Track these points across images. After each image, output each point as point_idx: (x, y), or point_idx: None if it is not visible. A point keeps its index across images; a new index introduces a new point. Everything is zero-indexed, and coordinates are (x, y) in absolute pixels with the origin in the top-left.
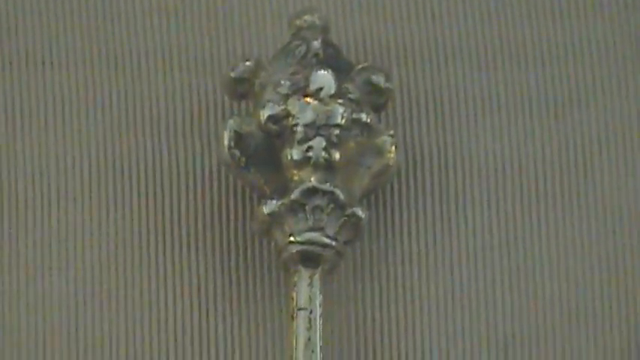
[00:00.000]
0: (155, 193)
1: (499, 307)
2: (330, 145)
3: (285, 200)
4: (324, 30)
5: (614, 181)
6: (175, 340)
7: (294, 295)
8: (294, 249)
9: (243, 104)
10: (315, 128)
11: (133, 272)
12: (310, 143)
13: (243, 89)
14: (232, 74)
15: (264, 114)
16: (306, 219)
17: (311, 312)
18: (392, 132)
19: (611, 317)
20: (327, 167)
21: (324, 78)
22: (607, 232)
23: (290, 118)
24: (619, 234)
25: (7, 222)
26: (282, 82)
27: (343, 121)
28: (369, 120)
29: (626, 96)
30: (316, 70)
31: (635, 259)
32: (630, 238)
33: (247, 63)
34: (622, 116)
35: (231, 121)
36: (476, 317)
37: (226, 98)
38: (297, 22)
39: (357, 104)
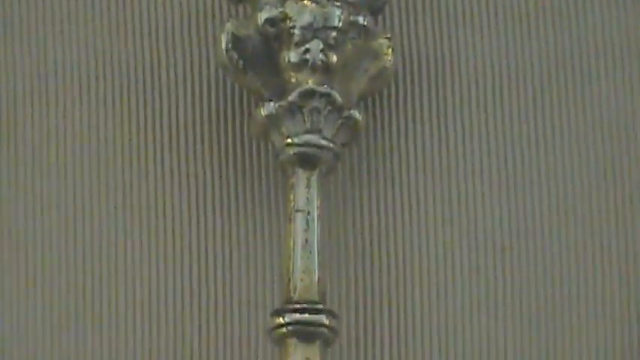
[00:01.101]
0: (153, 99)
1: (496, 211)
2: (328, 47)
3: (283, 102)
4: None
5: (611, 88)
6: (174, 244)
7: (292, 197)
8: (292, 151)
9: (240, 7)
10: (313, 30)
11: (131, 177)
12: (307, 45)
13: None
14: None
15: (262, 17)
16: (304, 121)
17: (309, 213)
18: (389, 35)
19: (608, 218)
20: (325, 69)
21: None
22: (603, 135)
23: (287, 21)
24: (616, 138)
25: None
26: None
27: (340, 23)
28: (366, 23)
29: (624, 6)
30: None
31: (632, 163)
32: (627, 141)
33: None
34: (619, 25)
35: (228, 24)
36: (473, 222)
37: (224, 1)
38: None
39: (354, 7)
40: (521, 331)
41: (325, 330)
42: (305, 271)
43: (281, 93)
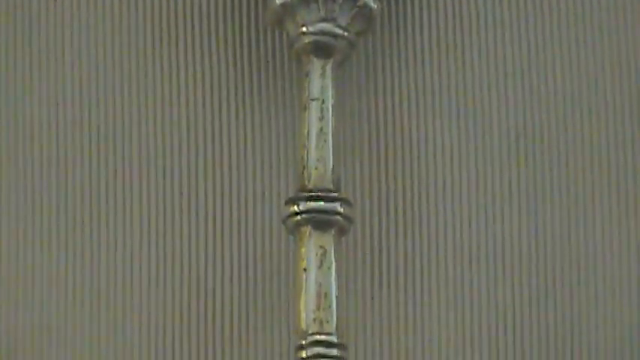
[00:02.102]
0: None
1: (511, 100)
2: None
3: None
4: None
5: None
6: (188, 133)
7: (307, 85)
8: (307, 39)
9: None
10: None
11: (146, 68)
12: None
13: None
14: None
15: None
16: (318, 9)
17: (323, 102)
18: None
19: (623, 109)
20: None
21: None
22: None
23: None
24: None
25: None
26: None
27: None
28: None
29: None
30: None
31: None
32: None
33: None
34: None
35: None
36: (488, 111)
37: None
38: None
39: None
40: (536, 223)
41: (340, 218)
42: (319, 159)
43: None
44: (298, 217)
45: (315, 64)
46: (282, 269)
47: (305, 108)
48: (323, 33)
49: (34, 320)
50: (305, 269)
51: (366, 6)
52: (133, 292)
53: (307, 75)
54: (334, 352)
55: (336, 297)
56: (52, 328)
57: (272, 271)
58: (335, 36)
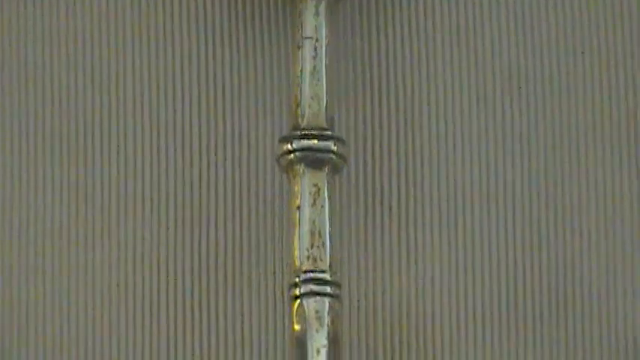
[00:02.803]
0: None
1: (505, 40)
2: None
3: None
4: None
5: None
6: (182, 72)
7: (300, 24)
8: None
9: None
10: None
11: (140, 11)
12: None
13: None
14: None
15: None
16: None
17: (317, 41)
18: None
19: (619, 50)
20: None
21: None
22: None
23: None
24: None
25: None
26: None
27: None
28: None
29: None
30: None
31: None
32: None
33: None
34: None
35: None
36: (481, 49)
37: None
38: None
39: None
40: (529, 164)
41: (333, 156)
42: (313, 97)
43: None
44: (291, 156)
45: (309, 3)
46: (276, 207)
47: (299, 47)
48: None
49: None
50: (298, 207)
51: None
52: (127, 228)
53: (301, 14)
54: (328, 289)
55: (330, 235)
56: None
57: (265, 209)
58: None
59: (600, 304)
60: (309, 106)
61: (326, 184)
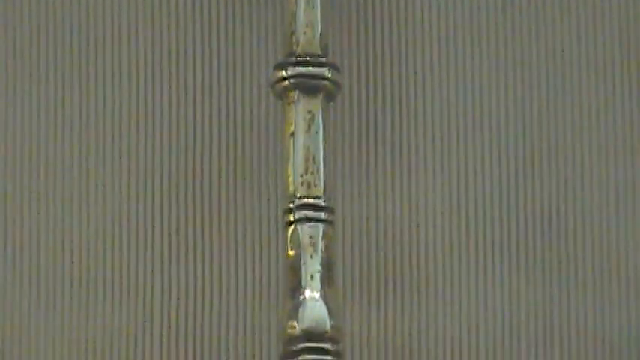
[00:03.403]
0: None
1: None
2: None
3: None
4: None
5: None
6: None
7: None
8: None
9: None
10: None
11: None
12: None
13: None
14: None
15: None
16: None
17: None
18: None
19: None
20: None
21: None
22: None
23: None
24: None
25: None
26: None
27: None
28: None
29: None
30: None
31: None
32: None
33: None
34: None
35: None
36: None
37: None
38: None
39: None
40: (522, 89)
41: (327, 83)
42: (308, 24)
43: None
44: (286, 82)
45: None
46: (271, 134)
47: None
48: None
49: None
50: (293, 134)
51: None
52: (122, 158)
53: None
54: (322, 215)
55: (324, 161)
56: None
57: (260, 136)
58: None
59: (593, 227)
60: (304, 33)
61: (320, 111)
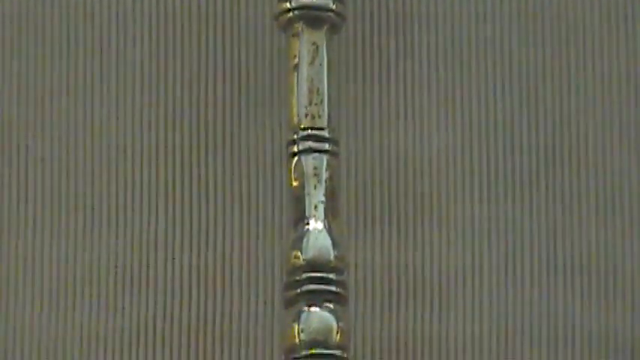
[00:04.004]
0: None
1: None
2: None
3: None
4: None
5: None
6: None
7: None
8: None
9: None
10: None
11: None
12: None
13: None
14: None
15: None
16: None
17: None
18: None
19: None
20: None
21: None
22: None
23: None
24: None
25: None
26: None
27: None
28: None
29: None
30: None
31: None
32: None
33: None
34: None
35: None
36: None
37: None
38: None
39: None
40: (526, 17)
41: (332, 15)
42: None
43: None
44: (290, 14)
45: None
46: (275, 66)
47: None
48: None
49: None
50: (297, 65)
51: None
52: (126, 89)
53: None
54: (326, 146)
55: (328, 92)
56: None
57: (264, 68)
58: None
59: (597, 159)
60: None
61: (325, 43)
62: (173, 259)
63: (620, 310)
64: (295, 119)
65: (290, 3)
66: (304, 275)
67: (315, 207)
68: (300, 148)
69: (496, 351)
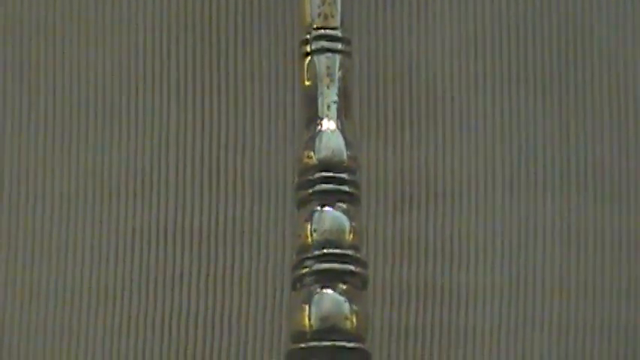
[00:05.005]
0: None
1: None
2: None
3: None
4: None
5: None
6: None
7: None
8: None
9: None
10: None
11: None
12: None
13: None
14: None
15: None
16: None
17: None
18: None
19: None
20: None
21: None
22: None
23: None
24: None
25: None
26: None
27: None
28: None
29: None
30: None
31: None
32: None
33: None
34: None
35: None
36: None
37: None
38: None
39: None
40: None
41: None
42: None
43: None
44: None
45: None
46: None
47: None
48: None
49: None
50: None
51: None
52: (138, 27)
53: None
54: (339, 45)
55: None
56: None
57: None
58: None
59: (610, 53)
60: None
61: None
62: (185, 158)
63: (633, 212)
64: (308, 19)
65: None
66: (317, 175)
67: (328, 107)
68: (313, 47)
69: (509, 251)
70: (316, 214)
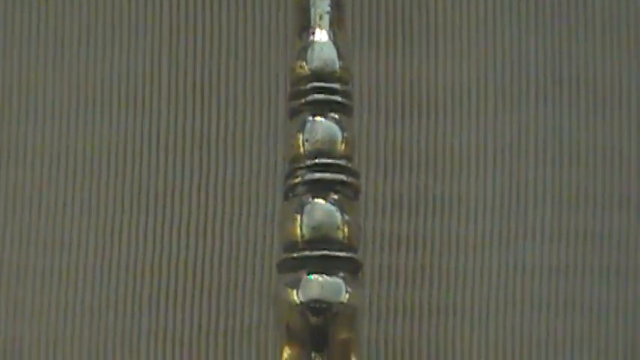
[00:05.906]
0: None
1: None
2: None
3: None
4: None
5: None
6: None
7: None
8: None
9: None
10: None
11: None
12: None
13: None
14: None
15: None
16: None
17: None
18: None
19: None
20: None
21: None
22: None
23: None
24: None
25: None
26: None
27: None
28: None
29: None
30: None
31: None
32: None
33: None
34: None
35: None
36: None
37: None
38: None
39: None
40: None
41: None
42: None
43: None
44: None
45: None
46: None
47: None
48: None
49: None
50: None
51: None
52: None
53: None
54: None
55: None
56: None
57: None
58: None
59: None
60: None
61: None
62: (178, 66)
63: (625, 124)
64: None
65: None
66: (309, 85)
67: (321, 17)
68: None
69: (501, 161)
70: (308, 124)
